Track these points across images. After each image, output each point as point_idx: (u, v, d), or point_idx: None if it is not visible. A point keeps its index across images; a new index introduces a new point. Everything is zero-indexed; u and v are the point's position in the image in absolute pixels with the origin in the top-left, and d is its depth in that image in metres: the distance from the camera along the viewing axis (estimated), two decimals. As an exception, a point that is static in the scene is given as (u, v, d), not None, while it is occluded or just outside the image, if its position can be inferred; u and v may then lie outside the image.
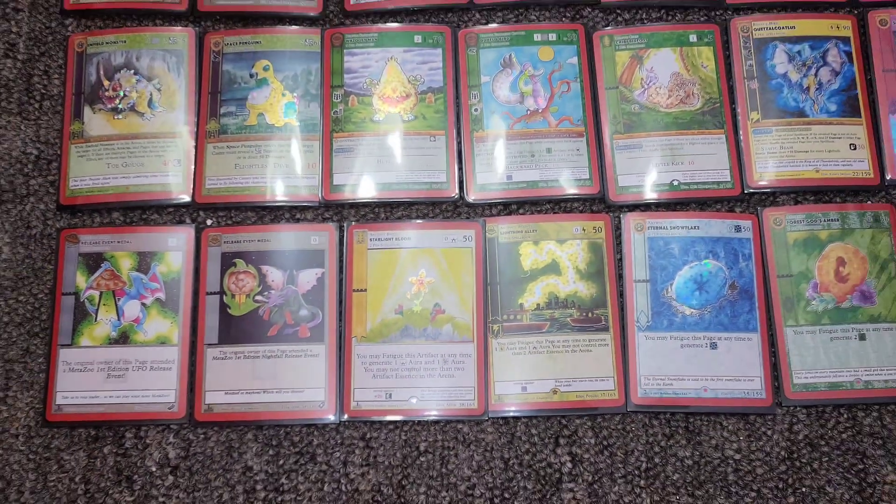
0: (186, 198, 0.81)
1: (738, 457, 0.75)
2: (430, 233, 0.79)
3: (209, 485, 0.75)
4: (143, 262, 0.79)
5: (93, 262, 0.79)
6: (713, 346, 0.76)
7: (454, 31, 0.85)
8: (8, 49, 0.86)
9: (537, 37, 0.85)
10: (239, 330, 0.78)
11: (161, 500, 0.75)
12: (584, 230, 0.79)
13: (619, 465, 0.75)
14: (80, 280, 0.79)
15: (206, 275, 0.79)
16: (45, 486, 0.75)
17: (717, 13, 0.86)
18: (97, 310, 0.78)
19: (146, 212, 0.82)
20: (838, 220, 0.79)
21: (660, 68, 0.83)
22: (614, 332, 0.77)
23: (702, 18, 0.86)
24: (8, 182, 0.83)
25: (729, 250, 0.79)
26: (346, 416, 0.76)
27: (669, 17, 0.87)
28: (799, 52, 0.84)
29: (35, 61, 0.86)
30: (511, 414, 0.75)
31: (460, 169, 0.81)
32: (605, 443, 0.76)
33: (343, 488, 0.75)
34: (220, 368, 0.77)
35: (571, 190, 0.80)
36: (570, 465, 0.75)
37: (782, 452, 0.75)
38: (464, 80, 0.84)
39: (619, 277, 0.79)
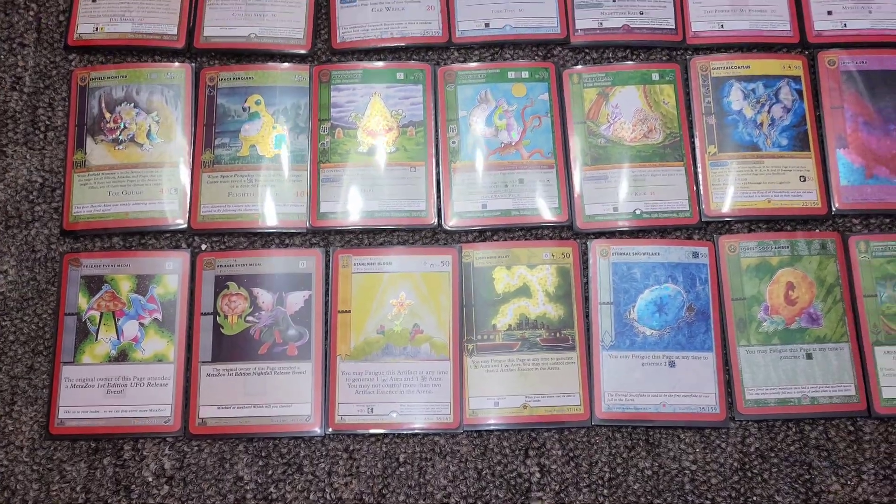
0: (182, 224, 0.86)
1: (694, 468, 0.81)
2: (410, 258, 0.85)
3: (202, 494, 0.80)
4: (142, 284, 0.85)
5: (94, 284, 0.85)
6: (671, 364, 0.82)
7: (434, 69, 0.91)
8: (14, 82, 0.92)
9: (511, 74, 0.91)
10: (231, 348, 0.83)
11: (157, 507, 0.80)
12: (553, 256, 0.85)
13: (584, 476, 0.81)
14: (82, 301, 0.84)
15: (201, 296, 0.84)
16: (48, 495, 0.80)
17: (678, 53, 0.92)
18: (98, 329, 0.84)
19: (144, 237, 0.87)
20: (788, 247, 0.85)
21: (624, 104, 0.89)
22: (580, 351, 0.83)
23: (664, 58, 0.92)
24: (14, 208, 0.88)
25: (687, 275, 0.84)
26: (330, 430, 0.81)
27: (634, 57, 0.93)
28: (753, 90, 0.90)
29: (40, 94, 0.92)
30: (484, 427, 0.81)
31: (439, 198, 0.87)
32: (571, 454, 0.81)
33: (328, 497, 0.80)
34: (214, 384, 0.82)
35: (542, 218, 0.86)
36: (538, 475, 0.81)
37: (735, 464, 0.81)
38: (443, 115, 0.89)
39: (586, 300, 0.84)
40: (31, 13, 0.94)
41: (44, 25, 0.94)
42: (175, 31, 0.92)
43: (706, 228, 0.87)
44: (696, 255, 0.85)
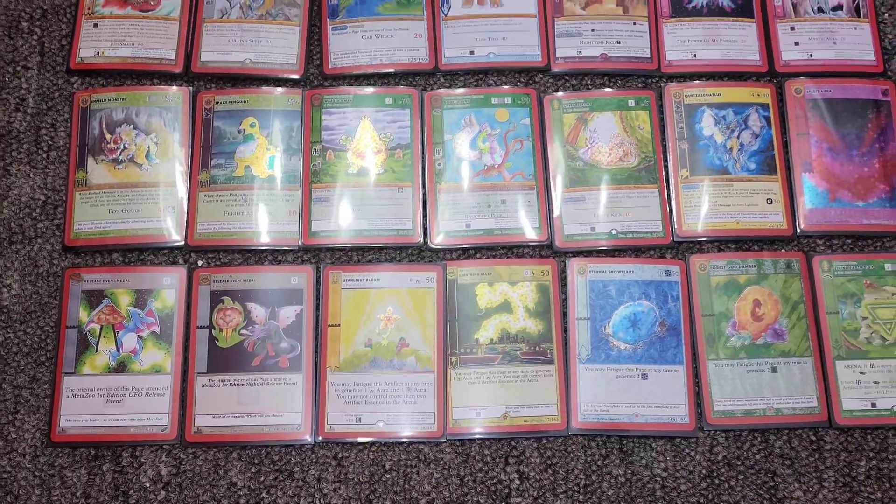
0: (180, 241, 0.90)
1: (665, 475, 0.85)
2: (397, 274, 0.89)
3: (197, 499, 0.84)
4: (141, 298, 0.88)
5: (94, 298, 0.88)
6: (644, 376, 0.87)
7: (421, 94, 0.95)
8: (18, 103, 0.96)
9: (494, 100, 0.95)
10: (226, 360, 0.87)
11: (154, 512, 0.84)
12: (533, 273, 0.90)
13: (561, 482, 0.85)
14: (83, 314, 0.88)
15: (197, 310, 0.88)
16: (50, 500, 0.84)
17: (653, 81, 0.97)
18: (98, 341, 0.87)
19: (143, 253, 0.91)
20: (755, 266, 0.90)
21: (602, 129, 0.94)
22: (558, 364, 0.87)
23: (639, 85, 0.97)
24: (18, 225, 0.92)
25: (659, 292, 0.89)
26: (320, 438, 0.85)
27: (611, 84, 0.97)
28: (724, 117, 0.95)
29: (43, 115, 0.95)
30: (467, 436, 0.85)
31: (425, 217, 0.91)
32: (548, 462, 0.86)
33: (317, 502, 0.84)
34: (209, 394, 0.85)
35: (523, 237, 0.90)
36: (518, 481, 0.85)
37: (704, 471, 0.85)
38: (429, 138, 0.94)
39: (564, 315, 0.89)
40: (35, 37, 0.98)
41: (47, 49, 0.97)
42: (173, 56, 0.96)
43: (678, 248, 0.92)
44: (668, 273, 0.90)
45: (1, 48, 0.97)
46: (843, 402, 0.86)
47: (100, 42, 0.96)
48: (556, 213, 0.91)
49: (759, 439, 0.86)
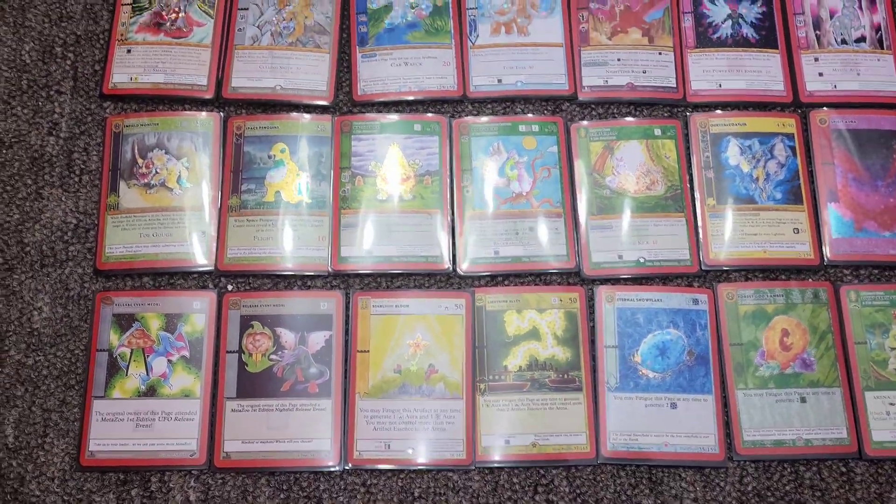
0: (210, 265, 0.90)
1: (694, 504, 0.85)
2: (425, 301, 0.90)
3: (225, 525, 0.84)
4: (171, 322, 0.89)
5: (125, 321, 0.89)
6: (673, 405, 0.87)
7: (449, 121, 0.96)
8: (51, 128, 0.97)
9: (522, 128, 0.96)
10: (255, 385, 0.87)
11: (181, 538, 0.83)
12: (561, 301, 0.90)
13: (590, 511, 0.85)
14: (114, 338, 0.88)
15: (227, 335, 0.88)
16: (78, 524, 0.84)
17: (679, 110, 0.98)
18: (128, 365, 0.88)
19: (173, 277, 0.92)
20: (783, 295, 0.90)
21: (628, 158, 0.95)
22: (587, 392, 0.87)
23: (665, 114, 0.98)
24: (49, 248, 0.92)
25: (688, 321, 0.89)
26: (349, 465, 0.85)
27: (637, 113, 0.98)
28: (750, 146, 0.95)
29: (76, 139, 0.96)
30: (495, 464, 0.85)
31: (453, 244, 0.92)
32: (577, 491, 0.85)
33: (345, 529, 0.84)
34: (238, 420, 0.86)
35: (551, 265, 0.91)
36: (546, 510, 0.85)
37: (734, 502, 0.85)
38: (457, 165, 0.95)
39: (592, 343, 0.89)
40: (69, 63, 0.99)
41: (80, 74, 0.99)
42: (205, 82, 0.97)
43: (706, 276, 0.92)
44: (696, 301, 0.90)
45: (35, 73, 0.98)
46: (873, 433, 0.86)
47: (133, 68, 0.97)
48: (583, 240, 0.92)
49: (788, 470, 0.86)
